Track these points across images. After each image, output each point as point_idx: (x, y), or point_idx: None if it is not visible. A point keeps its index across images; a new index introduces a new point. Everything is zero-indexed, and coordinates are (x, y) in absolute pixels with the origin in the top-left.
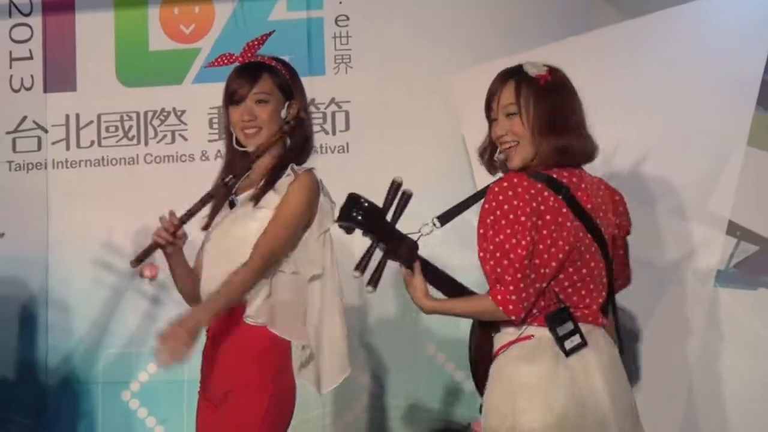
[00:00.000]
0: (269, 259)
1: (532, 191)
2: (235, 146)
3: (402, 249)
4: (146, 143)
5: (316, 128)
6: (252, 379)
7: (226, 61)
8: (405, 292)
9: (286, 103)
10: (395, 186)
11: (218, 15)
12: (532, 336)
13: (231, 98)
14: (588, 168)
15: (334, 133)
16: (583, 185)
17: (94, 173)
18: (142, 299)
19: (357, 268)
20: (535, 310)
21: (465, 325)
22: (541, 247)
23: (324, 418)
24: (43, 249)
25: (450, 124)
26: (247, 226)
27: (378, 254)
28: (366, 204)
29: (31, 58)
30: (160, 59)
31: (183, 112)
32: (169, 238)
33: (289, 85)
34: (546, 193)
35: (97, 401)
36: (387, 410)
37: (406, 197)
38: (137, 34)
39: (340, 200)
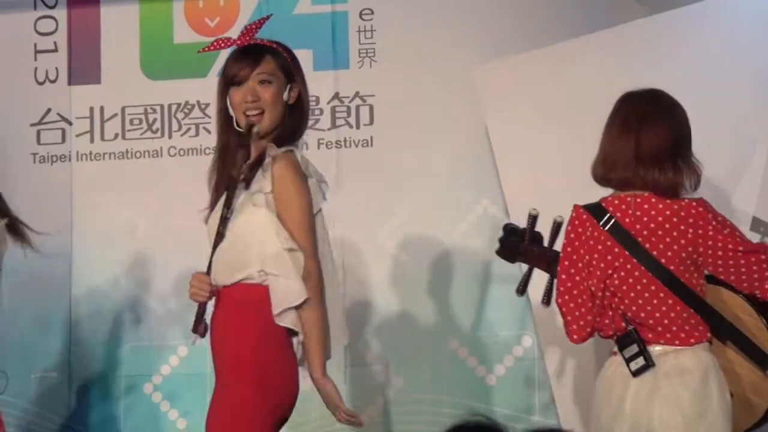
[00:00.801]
0: (313, 267)
1: (576, 222)
2: (236, 127)
3: (552, 267)
4: (170, 136)
5: (340, 122)
6: (235, 348)
7: (223, 45)
8: (428, 288)
9: (288, 86)
10: (531, 218)
11: (243, 8)
12: (616, 353)
13: (232, 80)
14: None
15: (358, 127)
16: (632, 211)
17: (118, 166)
18: (165, 292)
19: (518, 291)
20: (611, 332)
21: (486, 320)
22: (586, 272)
23: None
24: (66, 241)
25: (474, 118)
26: (249, 210)
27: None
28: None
29: (55, 50)
30: (184, 52)
31: (207, 105)
32: (208, 295)
33: (290, 67)
34: (588, 222)
35: (120, 394)
36: (411, 404)
37: (556, 225)
38: (162, 26)
39: (363, 194)
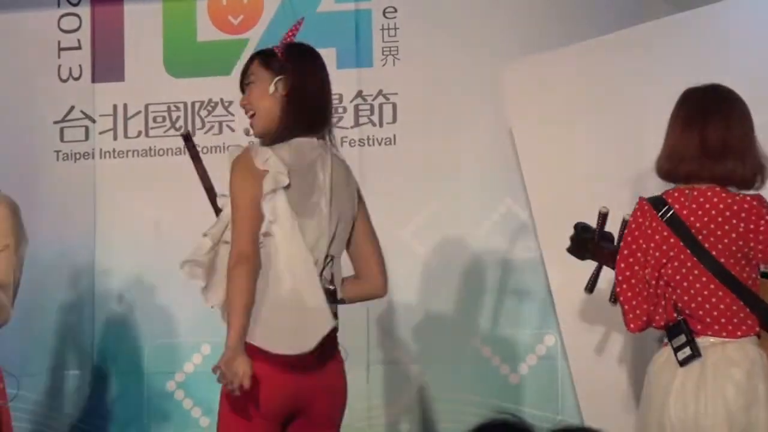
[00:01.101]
0: (235, 253)
1: (638, 213)
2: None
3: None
4: (193, 134)
5: (363, 120)
6: None
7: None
8: (451, 287)
9: (275, 79)
10: (602, 216)
11: (267, 6)
12: (666, 343)
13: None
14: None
15: (381, 126)
16: (689, 203)
17: (142, 163)
18: (188, 289)
19: (587, 289)
20: (663, 322)
21: (510, 319)
22: (643, 261)
23: (370, 411)
24: (90, 239)
25: (498, 116)
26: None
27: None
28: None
29: (79, 48)
30: (208, 50)
31: (230, 103)
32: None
33: (278, 60)
34: (648, 213)
35: (143, 391)
36: (433, 403)
37: (602, 216)
38: (185, 24)
39: (386, 192)
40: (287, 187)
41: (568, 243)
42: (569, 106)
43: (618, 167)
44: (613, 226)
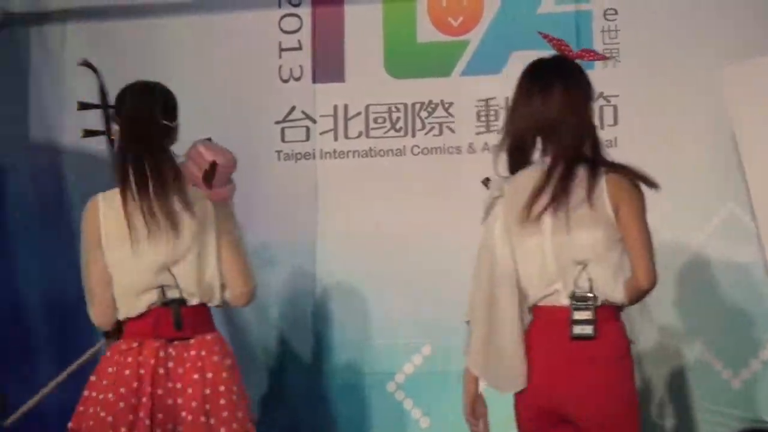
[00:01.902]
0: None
1: None
2: None
3: None
4: (413, 135)
5: None
6: None
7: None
8: (671, 292)
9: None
10: None
11: (486, 8)
12: None
13: None
14: None
15: (602, 128)
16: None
17: (362, 164)
18: (408, 290)
19: None
20: None
21: (731, 323)
22: None
23: None
24: (312, 239)
25: (719, 118)
26: None
27: None
28: None
29: (300, 48)
30: (428, 51)
31: (450, 104)
32: None
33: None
34: None
35: (363, 392)
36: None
37: None
38: (405, 25)
39: None
40: None
41: None
42: None
43: None
44: None
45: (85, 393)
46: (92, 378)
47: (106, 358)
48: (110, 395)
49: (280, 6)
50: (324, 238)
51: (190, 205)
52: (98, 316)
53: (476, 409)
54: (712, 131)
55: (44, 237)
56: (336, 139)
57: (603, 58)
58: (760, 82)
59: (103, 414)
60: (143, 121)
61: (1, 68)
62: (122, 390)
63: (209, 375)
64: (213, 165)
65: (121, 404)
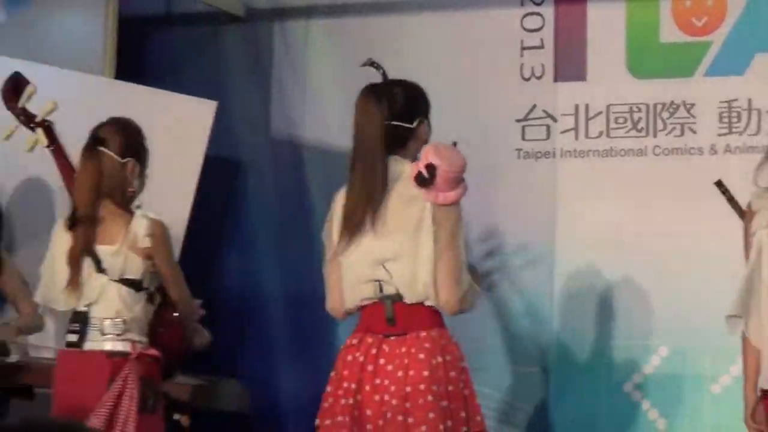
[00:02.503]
0: None
1: None
2: None
3: None
4: (655, 135)
5: None
6: None
7: None
8: None
9: None
10: None
11: (731, 8)
12: None
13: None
14: None
15: None
16: None
17: (601, 164)
18: (644, 291)
19: None
20: None
21: None
22: None
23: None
24: (550, 238)
25: None
26: None
27: None
28: None
29: (542, 47)
30: (670, 51)
31: (692, 105)
32: None
33: None
34: None
35: (599, 391)
36: None
37: None
38: (648, 25)
39: None
40: None
41: None
42: None
43: None
44: None
45: (327, 389)
46: (332, 374)
47: (340, 353)
48: (339, 392)
49: (522, 4)
50: (562, 236)
51: (407, 203)
52: (330, 304)
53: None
54: None
55: (283, 231)
56: (576, 138)
57: None
58: None
59: (336, 410)
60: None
61: (244, 63)
62: (345, 385)
63: (411, 372)
64: (429, 167)
65: (343, 401)
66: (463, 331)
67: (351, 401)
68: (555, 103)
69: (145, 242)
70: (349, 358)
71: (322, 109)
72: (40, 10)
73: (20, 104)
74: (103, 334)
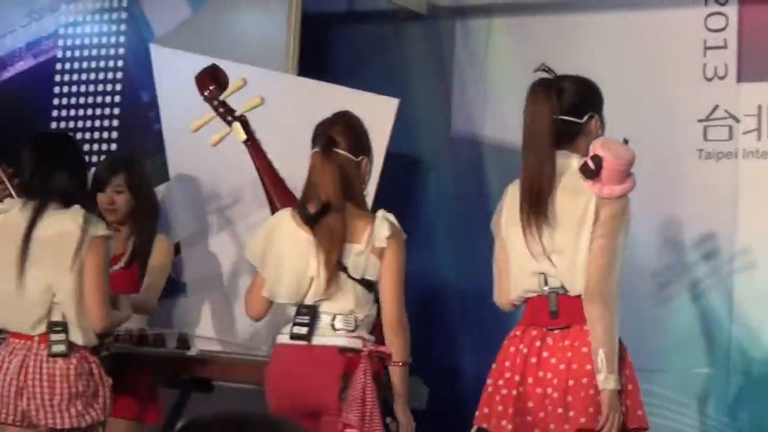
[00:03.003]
0: None
1: None
2: None
3: None
4: None
5: None
6: None
7: None
8: None
9: None
10: None
11: None
12: None
13: None
14: None
15: None
16: None
17: None
18: None
19: None
20: None
21: None
22: None
23: None
24: (730, 238)
25: None
26: None
27: None
28: None
29: (725, 47)
30: None
31: None
32: None
33: None
34: None
35: None
36: None
37: None
38: None
39: None
40: None
41: None
42: None
43: None
44: None
45: (488, 380)
46: (493, 365)
47: (504, 345)
48: (500, 382)
49: (706, 4)
50: (743, 237)
51: (573, 196)
52: (497, 296)
53: None
54: None
55: (463, 228)
56: (759, 139)
57: None
58: None
59: (496, 399)
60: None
61: (426, 60)
62: (507, 375)
63: (574, 366)
64: (595, 159)
65: (504, 391)
66: (638, 331)
67: (514, 392)
68: (737, 104)
69: (383, 243)
70: (512, 349)
71: (502, 108)
72: (224, 7)
73: (222, 97)
74: (335, 329)
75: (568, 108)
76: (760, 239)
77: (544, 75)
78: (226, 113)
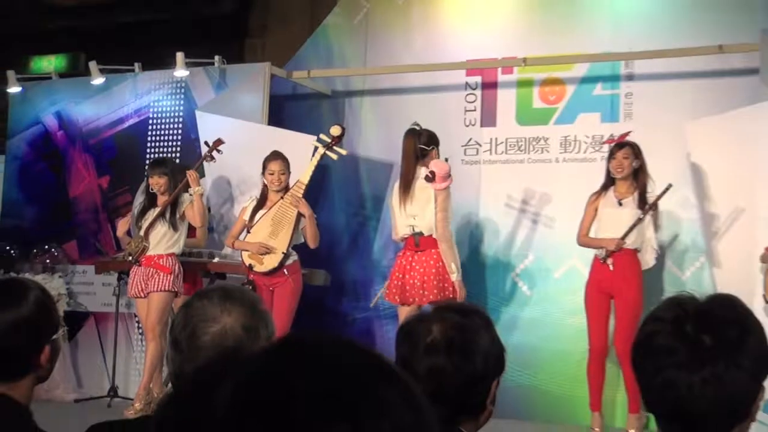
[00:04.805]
0: None
1: None
2: None
3: None
4: None
5: None
6: None
7: None
8: None
9: None
10: None
11: None
12: None
13: None
14: None
15: None
16: None
17: None
18: None
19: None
20: None
21: None
22: None
23: None
24: None
25: None
26: None
27: None
28: None
29: (474, 110)
30: None
31: None
32: None
33: None
34: None
35: None
36: None
37: None
38: None
39: None
40: None
41: None
42: None
43: None
44: None
45: (389, 277)
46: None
47: (396, 257)
48: (395, 275)
49: (465, 89)
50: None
51: (422, 188)
52: (393, 235)
53: None
54: None
55: (347, 204)
56: (491, 155)
57: None
58: None
59: (393, 285)
60: None
61: (330, 117)
62: (397, 274)
63: (432, 270)
64: (431, 171)
65: (396, 282)
66: None
67: (401, 281)
68: (481, 137)
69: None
70: (402, 261)
71: (369, 139)
72: (231, 92)
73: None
74: None
75: (423, 142)
76: None
77: (414, 127)
78: (333, 143)
